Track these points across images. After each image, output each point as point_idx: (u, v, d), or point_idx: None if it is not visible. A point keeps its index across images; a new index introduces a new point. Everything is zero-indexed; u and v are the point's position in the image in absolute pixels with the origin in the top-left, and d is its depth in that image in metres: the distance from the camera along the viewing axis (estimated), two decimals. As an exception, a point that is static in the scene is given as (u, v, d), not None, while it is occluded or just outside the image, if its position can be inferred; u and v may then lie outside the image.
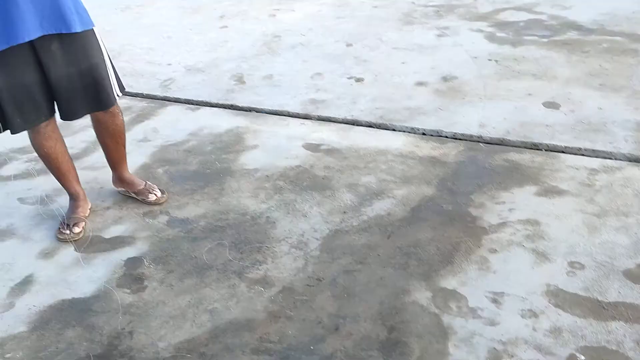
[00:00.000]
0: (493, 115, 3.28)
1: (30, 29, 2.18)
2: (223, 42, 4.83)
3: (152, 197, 2.80)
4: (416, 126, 3.25)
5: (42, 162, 2.67)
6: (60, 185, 2.72)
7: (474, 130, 3.15)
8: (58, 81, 2.34)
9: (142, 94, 4.03)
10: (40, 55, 2.28)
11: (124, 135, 2.73)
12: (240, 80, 4.10)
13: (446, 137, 3.15)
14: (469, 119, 3.26)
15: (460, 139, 3.11)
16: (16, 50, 2.22)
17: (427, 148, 3.06)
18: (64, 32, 2.26)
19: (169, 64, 4.50)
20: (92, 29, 2.40)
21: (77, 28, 2.29)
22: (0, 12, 2.14)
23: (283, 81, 4.01)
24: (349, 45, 4.50)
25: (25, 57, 2.26)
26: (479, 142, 3.07)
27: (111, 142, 2.70)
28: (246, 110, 3.68)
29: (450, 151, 3.01)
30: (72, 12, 2.27)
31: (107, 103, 2.50)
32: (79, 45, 2.34)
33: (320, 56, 4.36)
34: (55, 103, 2.44)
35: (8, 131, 2.41)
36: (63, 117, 2.47)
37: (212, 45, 4.80)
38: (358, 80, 3.91)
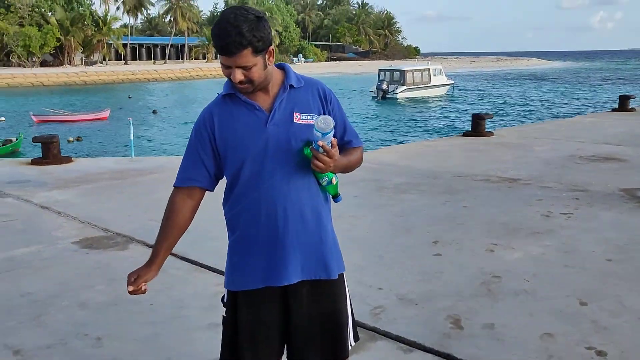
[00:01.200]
0: None
1: (292, 273, 2.08)
2: (438, 273, 4.58)
3: None
4: None
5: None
6: None
7: None
8: (299, 324, 2.18)
9: (351, 319, 3.81)
10: (288, 297, 2.15)
11: (346, 386, 2.44)
12: (457, 324, 3.73)
13: None
14: None
15: None
16: (269, 290, 2.12)
17: None
18: (322, 278, 2.13)
19: (380, 288, 4.31)
20: (343, 272, 2.26)
21: (335, 275, 2.15)
22: (267, 252, 2.09)
23: (507, 335, 3.57)
24: (582, 304, 3.98)
25: (274, 297, 2.14)
26: None
27: (332, 392, 2.42)
28: (466, 366, 3.26)
29: None
30: (334, 258, 2.15)
31: (341, 354, 2.27)
32: (328, 290, 2.20)
33: (549, 311, 3.88)
34: (286, 344, 2.26)
35: None
36: (291, 362, 2.27)
37: (425, 274, 4.57)
38: (600, 353, 3.34)
